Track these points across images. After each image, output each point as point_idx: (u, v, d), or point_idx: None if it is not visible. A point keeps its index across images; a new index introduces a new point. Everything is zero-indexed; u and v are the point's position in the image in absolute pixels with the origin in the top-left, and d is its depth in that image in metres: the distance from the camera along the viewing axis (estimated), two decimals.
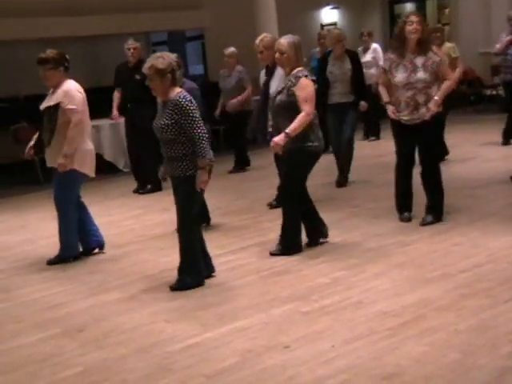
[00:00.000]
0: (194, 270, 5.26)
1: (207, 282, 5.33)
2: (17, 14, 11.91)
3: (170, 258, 5.99)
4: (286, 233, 5.90)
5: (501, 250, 5.50)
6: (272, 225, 6.73)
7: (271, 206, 7.54)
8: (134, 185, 9.44)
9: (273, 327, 4.38)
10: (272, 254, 5.87)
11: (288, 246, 5.87)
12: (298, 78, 5.69)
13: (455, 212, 6.60)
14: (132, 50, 9.02)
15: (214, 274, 5.47)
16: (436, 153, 6.69)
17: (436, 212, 6.39)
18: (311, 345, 4.06)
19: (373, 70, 11.08)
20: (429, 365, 3.69)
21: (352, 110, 8.38)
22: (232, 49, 9.94)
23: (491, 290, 4.66)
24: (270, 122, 6.40)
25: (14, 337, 4.68)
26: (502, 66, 10.46)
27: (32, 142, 6.36)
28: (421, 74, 6.17)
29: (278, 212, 6.84)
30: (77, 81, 6.17)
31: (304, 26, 14.56)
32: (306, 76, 5.71)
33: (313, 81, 5.75)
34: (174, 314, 4.79)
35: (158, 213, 7.95)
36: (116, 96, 9.37)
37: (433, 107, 6.17)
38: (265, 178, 9.36)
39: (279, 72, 6.52)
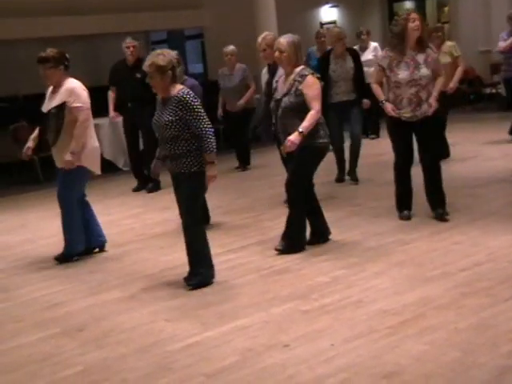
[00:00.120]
0: (206, 263, 5.25)
1: None
2: (17, 14, 11.90)
3: (170, 257, 6.00)
4: (290, 229, 5.90)
5: (501, 248, 5.50)
6: (273, 224, 6.73)
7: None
8: (134, 184, 9.43)
9: (273, 326, 4.38)
10: (277, 250, 5.87)
11: (292, 242, 5.87)
12: (303, 76, 5.67)
13: (455, 211, 6.59)
14: (131, 49, 8.93)
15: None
16: (437, 150, 6.69)
17: (444, 205, 6.42)
18: (311, 343, 4.06)
19: (373, 69, 11.04)
20: (429, 363, 3.69)
21: (356, 108, 8.40)
22: (232, 47, 9.85)
23: (491, 288, 4.66)
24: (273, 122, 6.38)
25: (13, 336, 4.68)
26: (503, 64, 10.46)
27: (29, 143, 6.35)
28: (424, 71, 6.20)
29: (279, 211, 6.84)
30: (77, 79, 6.15)
31: (303, 25, 14.57)
32: (313, 74, 5.71)
33: (318, 78, 5.75)
34: (174, 313, 4.78)
35: (158, 211, 7.95)
36: (111, 96, 9.22)
37: (434, 103, 6.21)
38: (266, 177, 9.36)
39: (281, 71, 6.50)
